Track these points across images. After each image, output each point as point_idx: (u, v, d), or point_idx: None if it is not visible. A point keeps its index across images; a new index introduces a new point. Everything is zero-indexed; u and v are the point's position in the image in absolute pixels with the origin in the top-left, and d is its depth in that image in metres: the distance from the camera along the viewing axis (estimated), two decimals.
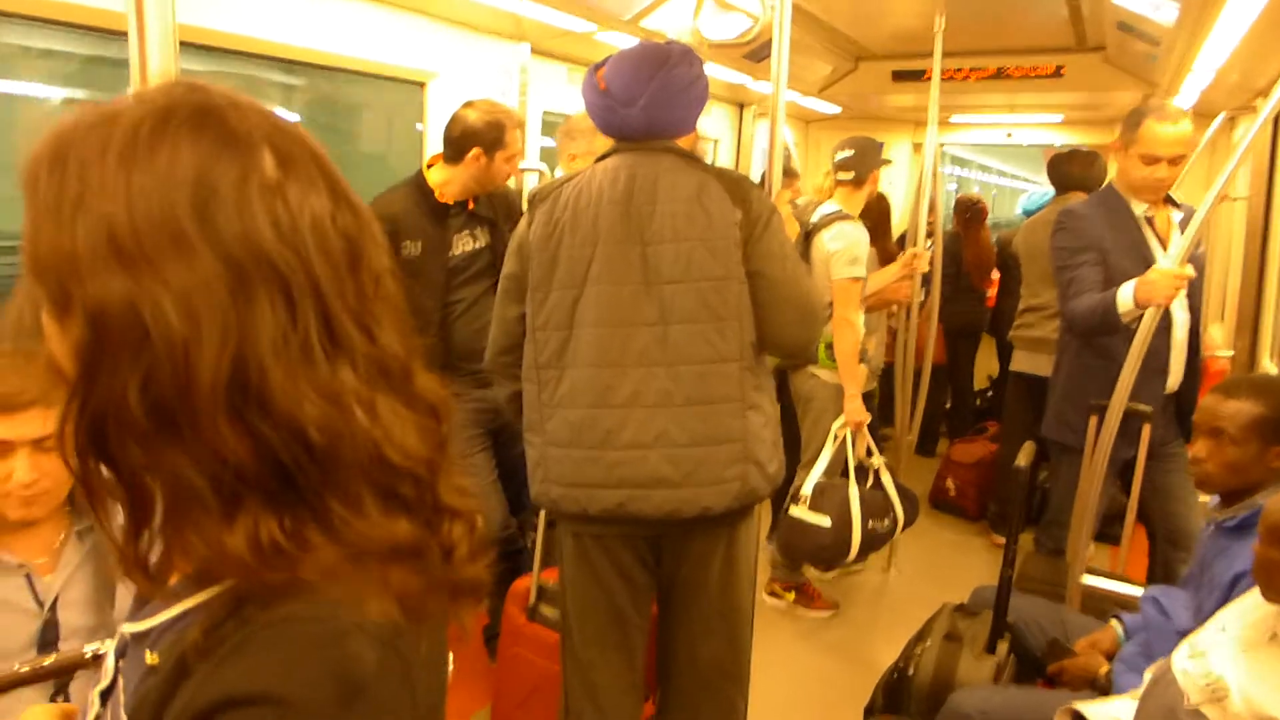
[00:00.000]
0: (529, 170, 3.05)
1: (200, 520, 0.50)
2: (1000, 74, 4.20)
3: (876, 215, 3.43)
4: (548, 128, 3.36)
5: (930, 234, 3.56)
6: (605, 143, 1.72)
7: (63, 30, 1.92)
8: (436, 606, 0.55)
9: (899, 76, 4.52)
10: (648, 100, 1.60)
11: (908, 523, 2.87)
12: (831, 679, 2.66)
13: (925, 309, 3.78)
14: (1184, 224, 2.37)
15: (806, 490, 2.71)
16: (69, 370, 0.50)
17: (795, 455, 2.84)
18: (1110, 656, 1.74)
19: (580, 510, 1.65)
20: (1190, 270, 2.03)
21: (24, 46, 1.94)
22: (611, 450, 1.60)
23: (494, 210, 2.42)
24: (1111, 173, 2.75)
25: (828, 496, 2.69)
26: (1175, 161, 2.30)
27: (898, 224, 4.52)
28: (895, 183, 5.41)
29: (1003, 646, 1.89)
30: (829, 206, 2.91)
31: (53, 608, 1.26)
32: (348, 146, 3.01)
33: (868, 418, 2.80)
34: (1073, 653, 1.78)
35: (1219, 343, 3.62)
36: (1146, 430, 2.20)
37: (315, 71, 2.61)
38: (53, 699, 1.22)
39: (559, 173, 2.68)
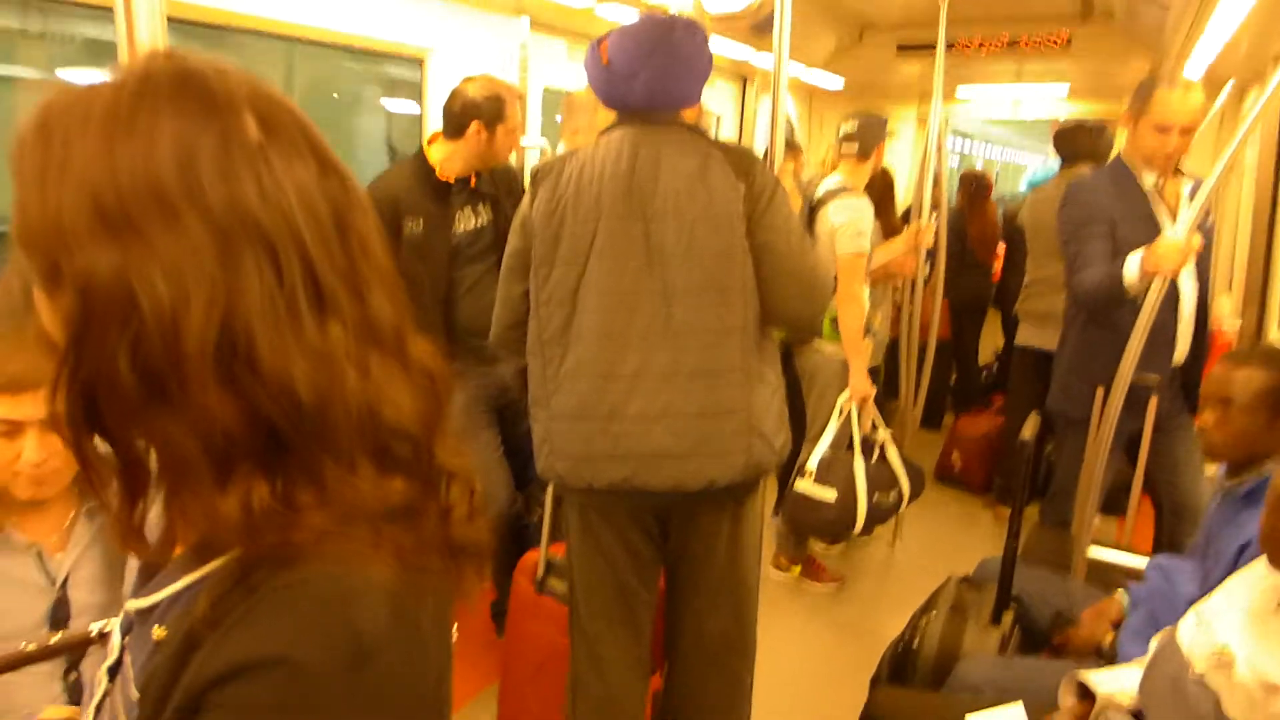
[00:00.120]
0: (530, 147, 3.03)
1: (194, 486, 0.50)
2: (1013, 44, 4.14)
3: (881, 189, 3.40)
4: (548, 104, 3.33)
5: (935, 208, 3.53)
6: (608, 118, 1.70)
7: (58, 15, 1.90)
8: (436, 567, 0.55)
9: (904, 49, 4.47)
10: (650, 72, 1.59)
11: (913, 496, 2.88)
12: (837, 652, 2.68)
13: (930, 283, 3.76)
14: (1194, 195, 2.34)
15: (812, 464, 2.71)
16: (60, 341, 0.50)
17: (801, 430, 2.84)
18: (1115, 626, 1.75)
19: (586, 484, 1.65)
20: (1198, 240, 2.01)
21: (22, 30, 1.93)
22: (616, 424, 1.60)
23: (496, 187, 2.40)
24: (1119, 144, 2.72)
25: (833, 470, 2.69)
26: (1187, 131, 2.27)
27: (902, 198, 4.49)
28: (900, 156, 5.37)
29: (1008, 618, 1.89)
30: (833, 181, 2.89)
31: (63, 586, 1.27)
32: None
33: (873, 392, 2.80)
34: (1077, 623, 1.79)
35: (1227, 314, 3.60)
36: (1153, 402, 2.19)
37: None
38: (65, 675, 1.24)
39: (561, 148, 2.66)
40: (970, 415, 4.13)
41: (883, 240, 3.20)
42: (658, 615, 1.88)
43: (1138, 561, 2.01)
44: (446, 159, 2.28)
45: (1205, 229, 2.18)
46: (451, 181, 2.29)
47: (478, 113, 2.22)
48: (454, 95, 2.26)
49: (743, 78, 4.83)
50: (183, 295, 0.47)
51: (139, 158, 0.48)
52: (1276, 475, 1.21)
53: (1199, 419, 1.70)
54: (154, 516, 0.57)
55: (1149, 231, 2.25)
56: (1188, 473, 2.43)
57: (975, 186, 4.40)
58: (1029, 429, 1.98)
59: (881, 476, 2.76)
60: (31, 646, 1.09)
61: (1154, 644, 1.40)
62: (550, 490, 2.09)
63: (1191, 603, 1.37)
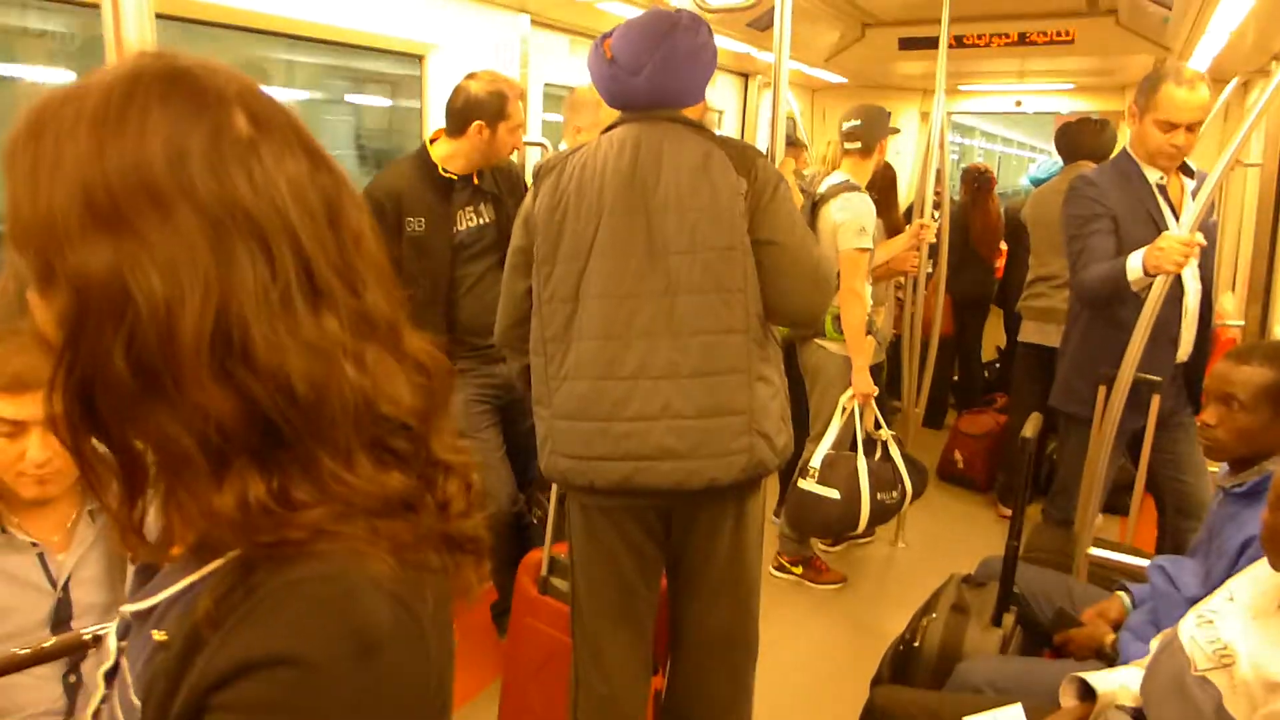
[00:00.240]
0: (531, 144, 3.01)
1: (190, 484, 0.50)
2: (1020, 39, 4.12)
3: (883, 185, 3.39)
4: (550, 101, 3.32)
5: (938, 204, 3.52)
6: (610, 116, 1.70)
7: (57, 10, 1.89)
8: (435, 563, 0.55)
9: (906, 44, 4.45)
10: (654, 68, 1.58)
11: (916, 495, 2.87)
12: (838, 650, 2.68)
13: (933, 280, 3.76)
14: (1196, 192, 2.33)
15: (815, 463, 2.71)
16: (55, 341, 0.50)
17: (803, 428, 2.84)
18: (1117, 626, 1.74)
19: (588, 483, 1.65)
20: (1201, 238, 2.00)
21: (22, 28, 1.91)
22: (618, 422, 1.60)
23: (499, 185, 2.40)
24: (1122, 140, 2.71)
25: (836, 469, 2.69)
26: (1193, 128, 2.26)
27: (904, 195, 4.48)
28: (903, 153, 5.35)
29: (1009, 618, 1.89)
30: (836, 177, 2.88)
31: (65, 586, 1.27)
32: None
33: (875, 390, 2.79)
34: (1079, 623, 1.79)
35: (1230, 312, 3.59)
36: (1156, 400, 2.18)
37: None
38: (65, 676, 1.24)
39: (563, 146, 2.65)
40: (973, 413, 4.12)
41: (885, 237, 3.19)
42: (660, 614, 1.88)
43: (1139, 561, 2.00)
44: (449, 156, 2.28)
45: (1208, 226, 2.17)
46: (455, 179, 2.29)
47: (480, 110, 2.22)
48: (456, 92, 2.25)
49: (745, 73, 4.82)
50: (177, 290, 0.47)
51: (130, 154, 0.48)
52: (1278, 473, 1.21)
53: (1201, 416, 1.70)
54: (152, 517, 0.57)
55: (1154, 228, 2.24)
56: (1191, 471, 2.43)
57: (978, 182, 4.38)
58: (1031, 427, 1.97)
59: (884, 475, 2.76)
60: (25, 651, 1.09)
61: (1155, 643, 1.40)
62: (554, 489, 2.09)
63: (1193, 602, 1.37)
